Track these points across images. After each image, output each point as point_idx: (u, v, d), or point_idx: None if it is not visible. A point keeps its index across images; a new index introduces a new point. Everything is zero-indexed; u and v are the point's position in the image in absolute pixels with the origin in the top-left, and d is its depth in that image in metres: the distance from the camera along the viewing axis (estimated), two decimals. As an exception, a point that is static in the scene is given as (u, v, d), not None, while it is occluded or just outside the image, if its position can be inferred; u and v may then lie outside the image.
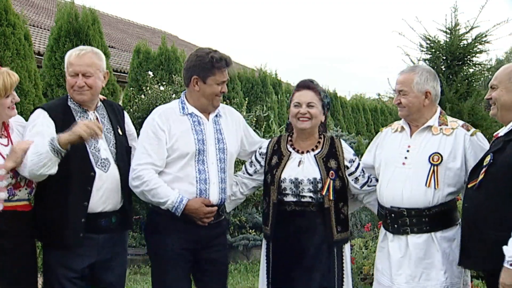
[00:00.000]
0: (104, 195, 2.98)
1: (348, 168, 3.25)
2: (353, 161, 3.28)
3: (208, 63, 3.11)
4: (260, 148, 3.39)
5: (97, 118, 3.09)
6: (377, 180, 3.26)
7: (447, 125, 3.09)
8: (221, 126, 3.25)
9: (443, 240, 3.00)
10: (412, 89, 3.08)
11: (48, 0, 19.19)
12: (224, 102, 3.49)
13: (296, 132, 3.29)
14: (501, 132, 2.82)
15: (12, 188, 2.84)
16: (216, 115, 3.26)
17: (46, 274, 2.98)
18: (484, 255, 2.67)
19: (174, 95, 6.99)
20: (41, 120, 2.93)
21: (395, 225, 3.07)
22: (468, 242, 2.78)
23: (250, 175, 3.39)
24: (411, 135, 3.15)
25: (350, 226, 3.36)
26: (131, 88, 8.15)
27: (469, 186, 2.80)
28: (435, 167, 2.98)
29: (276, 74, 14.50)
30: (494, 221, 2.61)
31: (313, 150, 3.25)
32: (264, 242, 3.33)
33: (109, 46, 8.53)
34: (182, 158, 3.08)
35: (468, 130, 3.06)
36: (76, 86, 2.99)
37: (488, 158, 2.74)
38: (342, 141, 3.35)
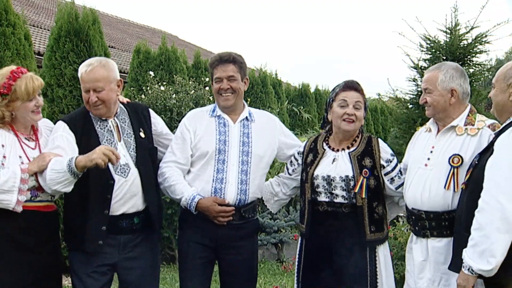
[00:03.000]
0: (122, 199, 3.03)
1: (384, 167, 3.19)
2: (390, 161, 3.22)
3: (209, 67, 3.34)
4: (298, 148, 3.43)
5: (117, 125, 3.14)
6: None
7: (473, 124, 2.98)
8: (250, 130, 3.32)
9: None
10: (436, 87, 3.01)
11: (48, 0, 19.18)
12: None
13: (337, 133, 3.25)
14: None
15: (34, 190, 2.91)
16: (246, 119, 3.34)
17: (70, 273, 3.08)
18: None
19: (174, 95, 6.99)
20: (61, 133, 3.00)
21: (416, 228, 3.03)
22: (455, 244, 2.73)
23: (290, 174, 3.45)
24: (436, 136, 3.08)
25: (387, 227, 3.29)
26: (131, 88, 8.14)
27: (461, 187, 2.77)
28: (455, 169, 2.89)
29: (276, 74, 14.49)
30: (471, 224, 2.53)
31: (348, 148, 3.22)
32: (299, 240, 3.36)
33: (109, 46, 8.51)
34: (203, 157, 3.21)
35: (494, 130, 2.90)
36: (90, 102, 3.05)
37: (474, 159, 2.71)
38: (380, 141, 3.29)
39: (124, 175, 3.04)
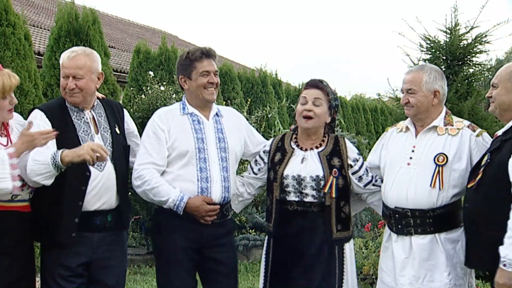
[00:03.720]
0: (98, 193, 2.98)
1: (351, 167, 3.23)
2: (357, 160, 3.26)
3: (186, 60, 3.21)
4: (264, 146, 3.40)
5: (93, 117, 3.10)
6: (382, 181, 3.24)
7: (452, 125, 3.07)
8: (222, 126, 3.28)
9: (447, 241, 2.98)
10: (421, 88, 3.05)
11: (48, 0, 19.20)
12: (224, 103, 3.51)
13: (300, 131, 3.29)
14: (500, 131, 2.82)
15: None
16: (217, 115, 3.30)
17: (42, 274, 2.99)
18: (484, 255, 2.67)
19: (174, 95, 6.99)
20: (38, 123, 2.92)
21: (399, 226, 3.06)
22: (470, 243, 2.79)
23: (256, 174, 3.39)
24: (416, 135, 3.13)
25: (352, 226, 3.34)
26: (131, 88, 8.15)
27: (468, 186, 2.80)
28: (440, 168, 2.96)
29: (276, 74, 14.52)
30: (492, 222, 2.62)
31: (316, 147, 3.24)
32: (266, 239, 3.34)
33: (109, 46, 8.53)
34: (182, 156, 3.11)
35: (474, 131, 3.02)
36: (67, 88, 2.99)
37: (485, 158, 2.74)
38: (347, 140, 3.33)
39: (100, 168, 2.98)
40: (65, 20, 6.78)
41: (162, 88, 7.13)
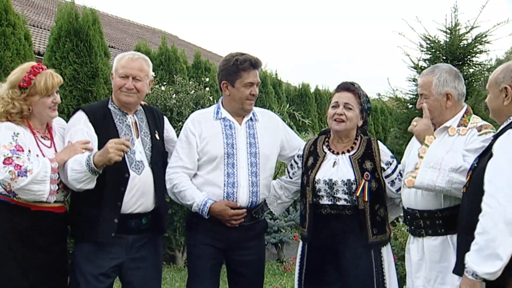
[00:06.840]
0: (134, 196, 3.05)
1: (384, 170, 3.20)
2: (390, 164, 3.22)
3: (233, 66, 3.21)
4: (298, 150, 3.41)
5: (135, 122, 3.19)
6: None
7: (466, 126, 2.98)
8: (255, 130, 3.30)
9: None
10: (431, 92, 3.01)
11: (48, 0, 19.19)
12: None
13: (332, 134, 3.29)
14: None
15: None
16: (251, 119, 3.32)
17: (73, 270, 3.06)
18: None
19: (174, 95, 6.99)
20: (81, 127, 3.03)
21: (412, 227, 3.05)
22: (459, 248, 2.69)
23: (291, 178, 3.43)
24: None
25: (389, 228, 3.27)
26: (131, 88, 8.14)
27: (462, 190, 2.74)
28: None
29: (276, 74, 14.49)
30: (474, 227, 2.48)
31: (348, 151, 3.23)
32: (300, 244, 3.35)
33: (109, 46, 8.50)
34: (212, 161, 3.17)
35: (479, 131, 2.92)
36: (124, 88, 3.09)
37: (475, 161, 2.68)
38: (380, 143, 3.29)
39: (138, 171, 3.07)
40: (65, 20, 6.77)
41: (162, 88, 7.12)
